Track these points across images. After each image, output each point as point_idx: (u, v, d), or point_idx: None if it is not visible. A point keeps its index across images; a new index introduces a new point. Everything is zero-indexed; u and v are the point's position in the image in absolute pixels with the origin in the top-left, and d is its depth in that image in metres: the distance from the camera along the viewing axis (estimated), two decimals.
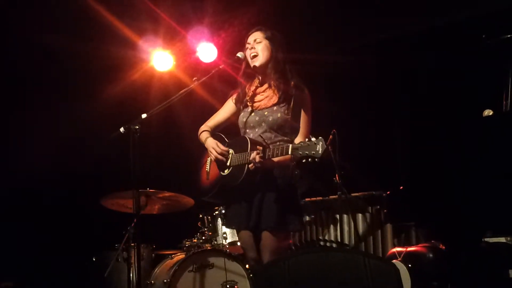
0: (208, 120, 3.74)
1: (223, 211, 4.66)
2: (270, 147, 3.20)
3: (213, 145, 3.50)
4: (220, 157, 3.45)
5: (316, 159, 2.92)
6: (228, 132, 3.67)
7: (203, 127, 3.71)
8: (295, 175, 3.44)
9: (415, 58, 5.23)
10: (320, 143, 2.89)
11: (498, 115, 3.14)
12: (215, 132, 3.67)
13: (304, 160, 2.97)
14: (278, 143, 3.35)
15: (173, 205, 4.78)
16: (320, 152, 2.88)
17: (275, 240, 3.30)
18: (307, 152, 2.92)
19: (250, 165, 3.23)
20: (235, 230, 4.60)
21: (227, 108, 3.70)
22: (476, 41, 3.78)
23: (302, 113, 3.38)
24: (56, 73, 5.77)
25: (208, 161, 3.66)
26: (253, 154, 3.19)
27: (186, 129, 6.20)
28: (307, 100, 3.44)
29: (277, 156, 3.12)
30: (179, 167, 6.21)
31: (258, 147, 3.21)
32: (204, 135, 3.64)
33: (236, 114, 3.64)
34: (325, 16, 5.53)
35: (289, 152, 3.01)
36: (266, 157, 3.16)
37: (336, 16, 5.51)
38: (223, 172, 3.46)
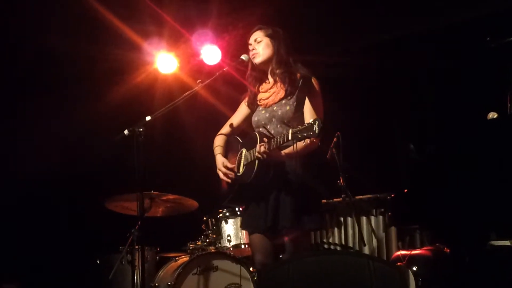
0: (223, 126, 3.73)
1: (227, 214, 4.65)
2: (275, 137, 3.19)
3: (219, 166, 3.51)
4: (225, 178, 3.47)
5: (314, 139, 2.99)
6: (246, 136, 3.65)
7: (217, 137, 3.70)
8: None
9: (419, 59, 5.22)
10: (317, 122, 2.92)
11: (503, 117, 3.14)
12: (230, 136, 3.67)
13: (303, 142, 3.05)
14: None
15: (177, 208, 4.78)
16: (317, 131, 2.91)
17: (292, 241, 3.30)
18: (305, 134, 2.95)
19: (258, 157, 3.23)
20: (239, 233, 4.61)
21: (241, 112, 3.70)
22: (480, 43, 3.77)
23: (306, 100, 3.37)
24: (61, 75, 5.77)
25: None
26: (258, 146, 3.21)
27: (190, 131, 6.21)
28: (313, 87, 3.42)
29: (280, 144, 3.12)
30: (183, 170, 6.23)
31: (264, 139, 3.22)
32: (216, 150, 3.63)
33: (251, 116, 3.62)
34: (326, 17, 5.52)
35: (289, 137, 3.02)
36: (271, 147, 3.16)
37: (337, 17, 5.51)
38: (238, 172, 3.46)
